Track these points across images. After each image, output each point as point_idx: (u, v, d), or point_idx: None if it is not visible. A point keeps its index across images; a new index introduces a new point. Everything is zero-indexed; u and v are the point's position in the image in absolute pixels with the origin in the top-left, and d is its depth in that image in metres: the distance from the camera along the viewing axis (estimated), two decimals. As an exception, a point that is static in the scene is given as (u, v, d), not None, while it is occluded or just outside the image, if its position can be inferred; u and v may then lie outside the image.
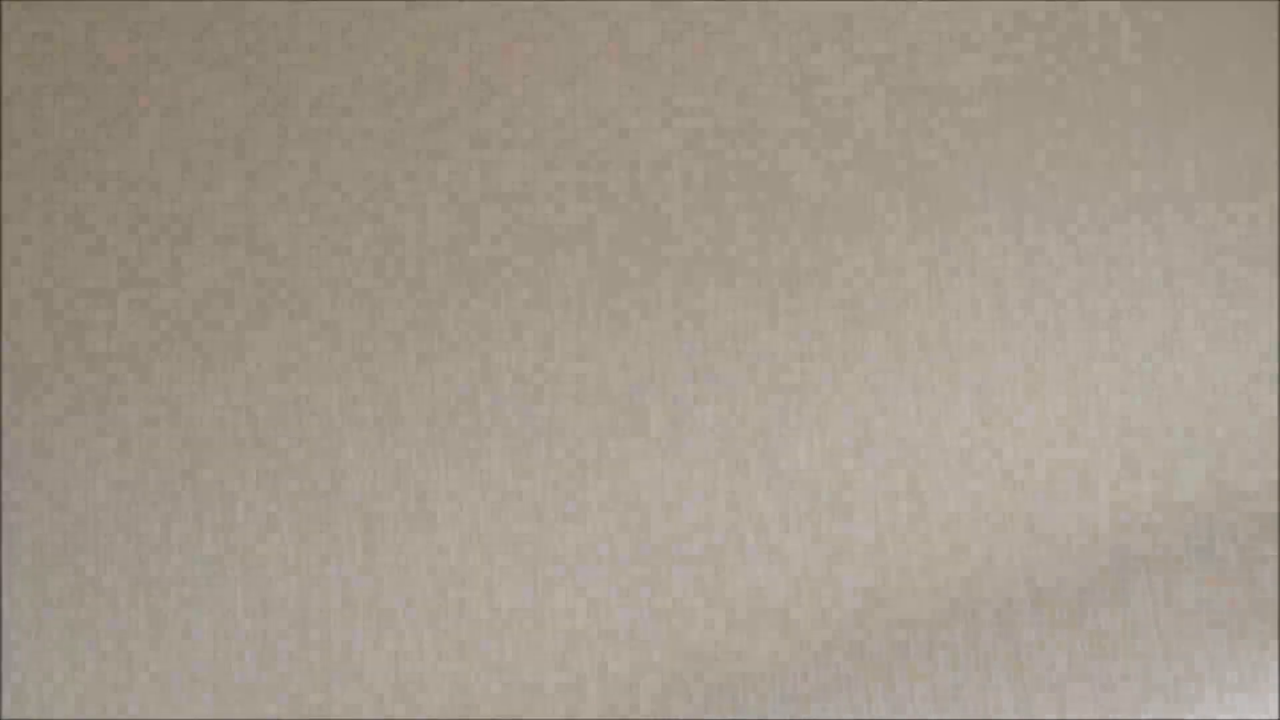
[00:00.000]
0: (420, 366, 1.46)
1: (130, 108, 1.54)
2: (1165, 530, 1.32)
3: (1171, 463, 1.34)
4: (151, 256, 1.53)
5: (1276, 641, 1.21)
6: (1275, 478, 1.30)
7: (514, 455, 1.41)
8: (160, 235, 1.52)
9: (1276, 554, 1.23)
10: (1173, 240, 1.46)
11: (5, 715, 1.36)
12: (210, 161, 1.55)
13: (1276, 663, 1.20)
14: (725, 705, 1.28)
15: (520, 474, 1.41)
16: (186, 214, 1.53)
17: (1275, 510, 1.27)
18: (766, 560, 1.34)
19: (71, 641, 1.39)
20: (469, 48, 1.51)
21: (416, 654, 1.34)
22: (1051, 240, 1.46)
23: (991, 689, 1.25)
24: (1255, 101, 1.47)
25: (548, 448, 1.41)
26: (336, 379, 1.48)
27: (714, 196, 1.47)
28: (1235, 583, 1.25)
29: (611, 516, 1.37)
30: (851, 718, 1.24)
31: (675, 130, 1.47)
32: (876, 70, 1.45)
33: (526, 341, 1.44)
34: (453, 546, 1.38)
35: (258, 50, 1.57)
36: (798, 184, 1.47)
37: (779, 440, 1.38)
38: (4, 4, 1.52)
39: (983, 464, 1.35)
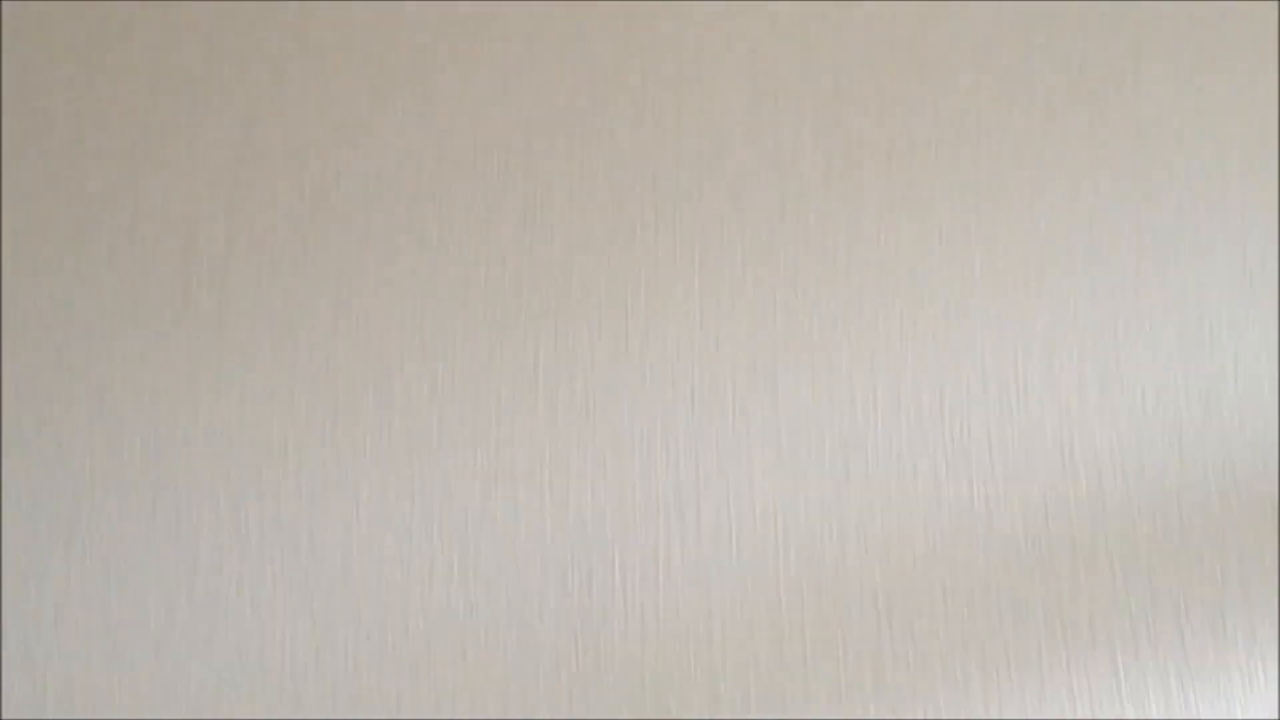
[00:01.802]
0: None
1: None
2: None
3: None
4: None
5: (1277, 640, 1.19)
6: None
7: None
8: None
9: (1277, 546, 1.23)
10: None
11: (5, 716, 1.36)
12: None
13: (1277, 661, 1.18)
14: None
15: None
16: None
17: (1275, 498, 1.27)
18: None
19: (71, 641, 1.39)
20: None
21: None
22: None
23: (975, 679, 1.26)
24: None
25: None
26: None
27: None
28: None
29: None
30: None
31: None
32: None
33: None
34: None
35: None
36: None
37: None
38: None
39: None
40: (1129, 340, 1.38)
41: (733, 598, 1.34)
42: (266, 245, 1.50)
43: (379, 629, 1.38)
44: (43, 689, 1.41)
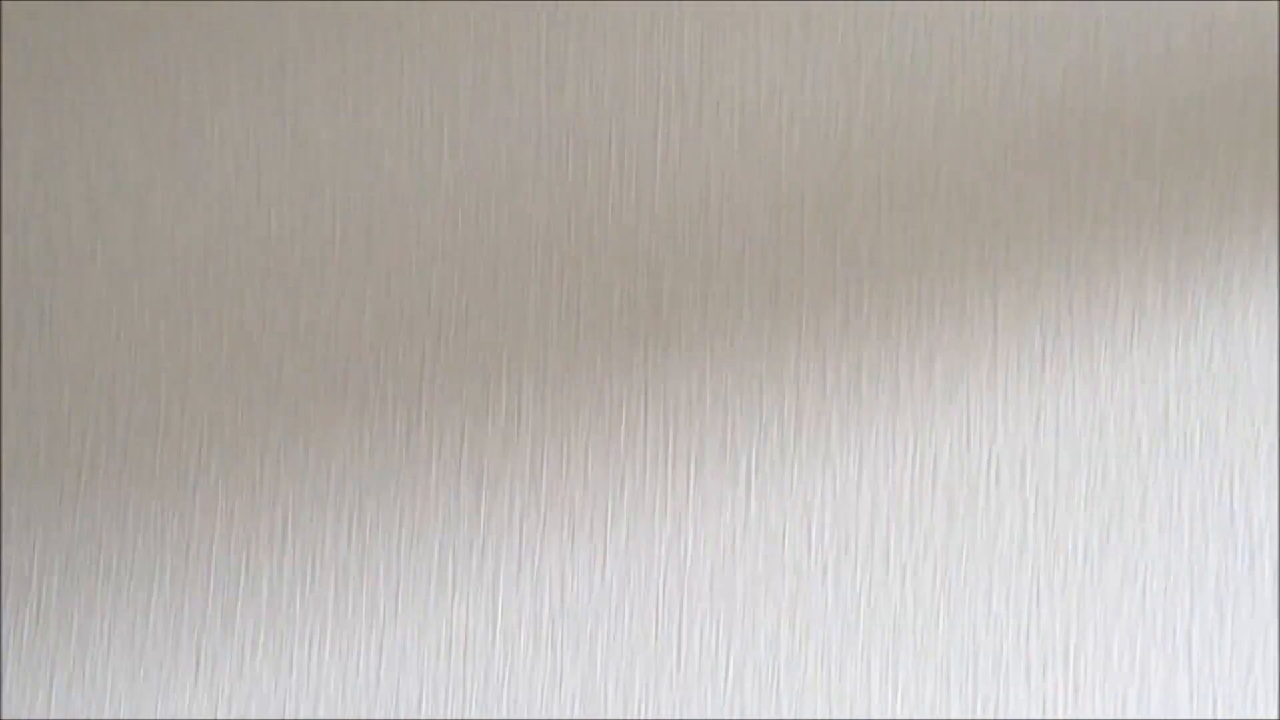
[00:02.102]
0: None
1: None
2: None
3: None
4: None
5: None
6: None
7: None
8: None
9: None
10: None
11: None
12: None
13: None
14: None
15: None
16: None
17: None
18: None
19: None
20: None
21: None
22: None
23: (972, 267, 1.25)
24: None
25: None
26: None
27: None
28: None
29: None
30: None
31: None
32: None
33: None
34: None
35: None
36: None
37: None
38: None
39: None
40: (1165, -72, 1.30)
41: (732, 183, 1.31)
42: None
43: (366, 203, 1.36)
44: (24, 258, 1.40)
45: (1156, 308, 1.23)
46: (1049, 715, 1.17)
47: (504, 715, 1.27)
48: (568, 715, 1.26)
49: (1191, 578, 1.18)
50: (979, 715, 1.19)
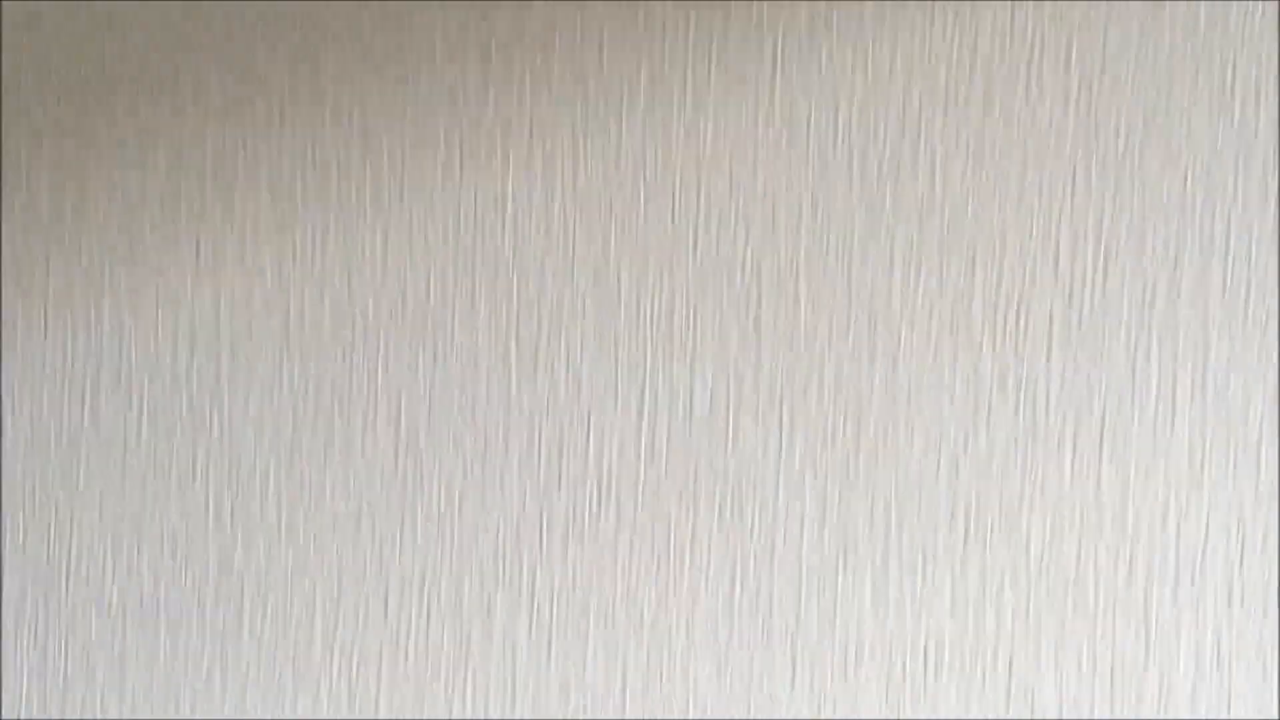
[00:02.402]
0: None
1: None
2: None
3: None
4: None
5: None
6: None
7: None
8: None
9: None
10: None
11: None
12: None
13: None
14: None
15: None
16: None
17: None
18: None
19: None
20: None
21: None
22: None
23: None
24: None
25: None
26: None
27: None
28: None
29: None
30: None
31: None
32: None
33: None
34: None
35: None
36: None
37: None
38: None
39: None
40: None
41: None
42: None
43: None
44: None
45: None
46: (1076, 306, 1.15)
47: (515, 300, 1.25)
48: (579, 303, 1.24)
49: (1235, 168, 1.12)
50: (1001, 305, 1.16)
